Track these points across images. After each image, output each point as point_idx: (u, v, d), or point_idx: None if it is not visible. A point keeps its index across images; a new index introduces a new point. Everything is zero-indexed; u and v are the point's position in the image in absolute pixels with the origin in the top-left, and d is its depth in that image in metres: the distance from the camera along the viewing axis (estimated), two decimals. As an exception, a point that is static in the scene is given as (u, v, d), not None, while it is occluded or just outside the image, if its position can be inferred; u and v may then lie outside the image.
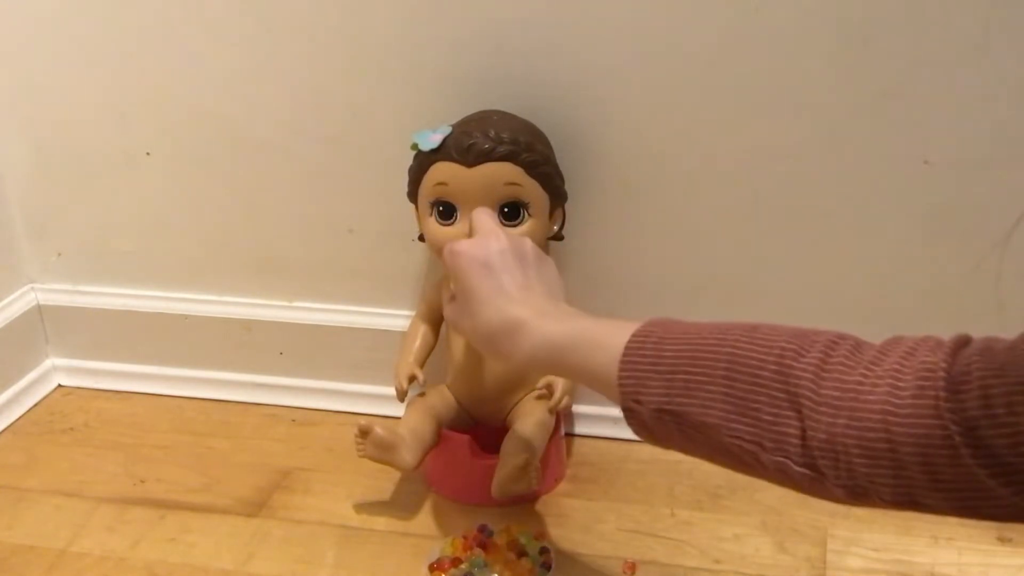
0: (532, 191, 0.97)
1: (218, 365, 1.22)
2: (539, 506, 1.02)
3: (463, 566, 0.93)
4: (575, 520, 1.01)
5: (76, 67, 1.12)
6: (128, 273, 1.22)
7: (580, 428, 1.13)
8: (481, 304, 0.75)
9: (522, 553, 0.94)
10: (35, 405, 1.23)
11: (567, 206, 1.02)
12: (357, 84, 1.05)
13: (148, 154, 1.15)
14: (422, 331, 1.06)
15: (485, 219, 0.86)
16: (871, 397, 0.55)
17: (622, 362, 0.65)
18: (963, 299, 0.99)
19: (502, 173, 0.95)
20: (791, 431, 0.58)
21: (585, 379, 0.70)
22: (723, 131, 0.99)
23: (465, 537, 0.96)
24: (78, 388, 1.26)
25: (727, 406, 0.60)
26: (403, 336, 1.07)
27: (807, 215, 1.01)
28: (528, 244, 0.80)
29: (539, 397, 1.02)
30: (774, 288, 1.04)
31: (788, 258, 1.02)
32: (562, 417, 1.07)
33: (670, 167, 1.01)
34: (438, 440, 1.03)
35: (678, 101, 0.98)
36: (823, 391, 0.57)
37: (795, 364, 0.58)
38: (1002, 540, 0.95)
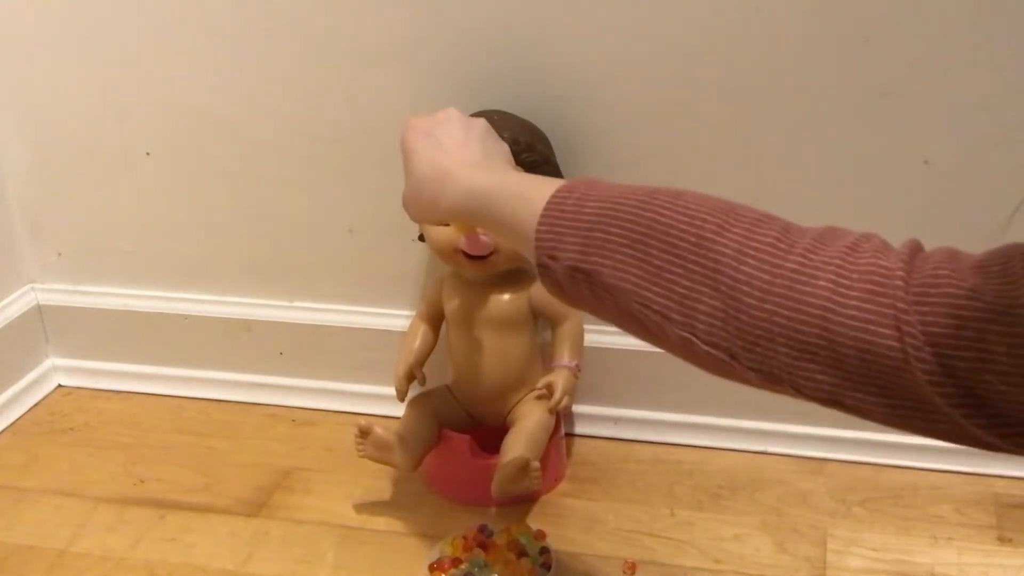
0: (532, 191, 0.97)
1: (218, 365, 1.22)
2: (539, 506, 1.02)
3: (463, 566, 0.93)
4: (575, 520, 1.01)
5: (76, 67, 1.12)
6: (128, 273, 1.22)
7: (580, 428, 1.13)
8: (418, 161, 0.75)
9: (522, 553, 0.94)
10: (35, 405, 1.23)
11: (567, 206, 1.02)
12: (357, 84, 1.05)
13: (148, 154, 1.15)
14: (422, 331, 1.06)
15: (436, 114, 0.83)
16: (808, 288, 0.53)
17: (541, 216, 0.63)
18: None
19: (502, 173, 0.95)
20: (702, 307, 0.56)
21: (505, 232, 0.68)
22: (723, 131, 0.99)
23: (465, 537, 0.95)
24: (78, 388, 1.26)
25: (640, 272, 0.59)
26: (403, 336, 1.07)
27: (807, 215, 1.00)
28: (480, 120, 0.79)
29: (539, 397, 1.02)
30: (774, 288, 1.04)
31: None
32: (562, 417, 1.07)
33: (670, 167, 1.01)
34: (438, 440, 1.03)
35: (678, 101, 0.98)
36: (745, 269, 0.55)
37: (717, 239, 0.57)
38: (1002, 540, 0.95)
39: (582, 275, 0.61)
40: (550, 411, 1.00)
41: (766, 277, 0.55)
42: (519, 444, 0.97)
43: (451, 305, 1.03)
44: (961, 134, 0.93)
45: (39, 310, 1.26)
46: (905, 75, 0.93)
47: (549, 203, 0.63)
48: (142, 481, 1.09)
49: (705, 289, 0.56)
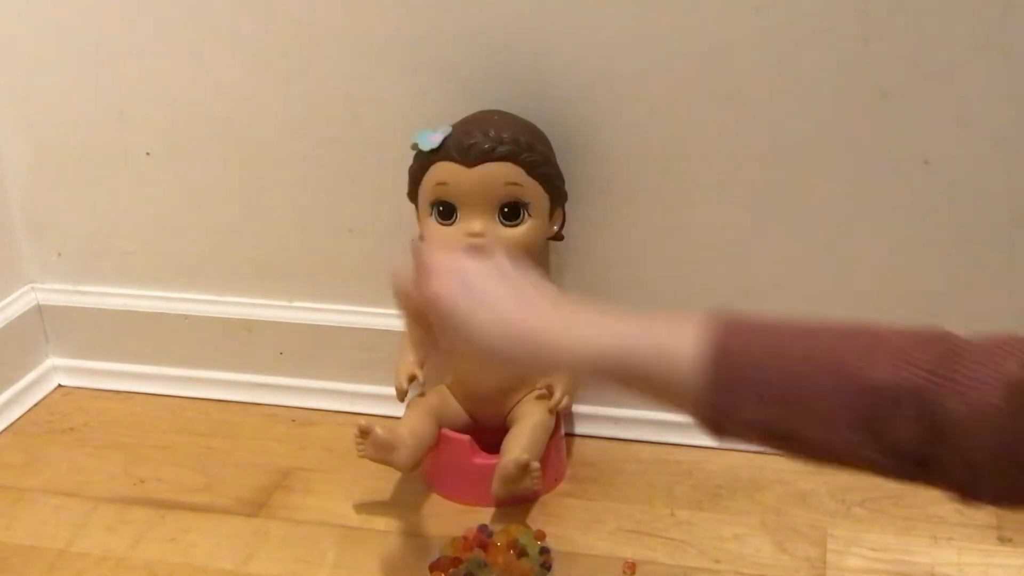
0: (532, 191, 0.97)
1: (218, 365, 1.22)
2: (539, 506, 1.02)
3: (463, 566, 0.93)
4: (575, 520, 1.01)
5: (76, 67, 1.12)
6: (128, 273, 1.22)
7: (580, 428, 1.13)
8: (477, 324, 0.64)
9: (522, 553, 0.94)
10: (35, 405, 1.23)
11: (567, 206, 1.02)
12: (357, 84, 1.05)
13: (148, 154, 1.15)
14: (422, 331, 1.06)
15: (438, 253, 0.71)
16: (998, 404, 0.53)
17: (704, 377, 0.58)
18: (963, 299, 0.99)
19: (502, 173, 0.95)
20: (903, 434, 0.55)
21: (646, 392, 0.62)
22: (723, 131, 0.99)
23: (465, 537, 0.95)
24: (78, 388, 1.26)
25: (833, 420, 0.56)
26: (403, 336, 1.07)
27: (807, 215, 1.01)
28: (500, 256, 0.69)
29: (539, 397, 1.02)
30: (774, 288, 1.04)
31: (788, 258, 1.02)
32: (562, 417, 1.07)
33: (670, 167, 1.01)
34: (438, 440, 1.03)
35: (678, 101, 0.98)
36: (950, 406, 0.54)
37: (913, 368, 0.55)
38: (1002, 540, 0.95)
39: (777, 437, 0.59)
40: (550, 411, 1.00)
41: (977, 410, 0.54)
42: (519, 444, 0.97)
43: (451, 305, 1.03)
44: (961, 134, 0.93)
45: (39, 310, 1.25)
46: (905, 75, 0.93)
47: (707, 361, 0.58)
48: (142, 481, 1.09)
49: (910, 412, 0.55)
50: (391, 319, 1.15)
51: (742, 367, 0.59)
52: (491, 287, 0.66)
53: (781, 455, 0.61)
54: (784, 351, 0.60)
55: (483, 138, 0.95)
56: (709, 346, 0.59)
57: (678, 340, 0.60)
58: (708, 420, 0.60)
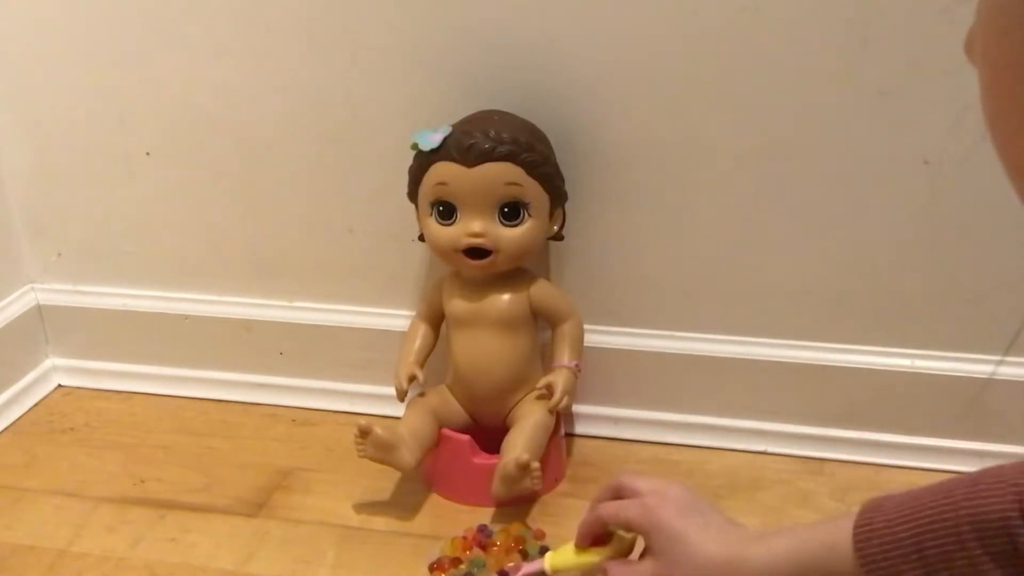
0: (532, 191, 0.97)
1: (218, 365, 1.22)
2: (539, 506, 1.02)
3: (463, 566, 0.93)
4: (575, 520, 1.00)
5: (76, 67, 1.12)
6: (128, 273, 1.22)
7: (580, 428, 1.13)
8: (694, 544, 0.72)
9: (524, 554, 0.94)
10: (35, 405, 1.23)
11: (567, 206, 1.02)
12: (357, 84, 1.05)
13: (148, 154, 1.15)
14: (422, 331, 1.06)
15: (638, 476, 0.80)
16: None
17: (859, 556, 0.63)
18: (963, 299, 0.99)
19: (502, 173, 0.95)
20: None
21: None
22: (723, 131, 0.99)
23: (465, 537, 0.95)
24: (78, 388, 1.26)
25: (974, 560, 0.59)
26: (403, 336, 1.07)
27: (807, 215, 1.01)
28: (684, 489, 0.78)
29: (539, 397, 1.02)
30: (774, 288, 1.04)
31: (788, 258, 1.03)
32: (562, 417, 1.07)
33: (670, 167, 1.01)
34: (438, 440, 1.03)
35: (678, 101, 0.98)
36: None
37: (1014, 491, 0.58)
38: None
39: None
40: (550, 411, 1.00)
41: None
42: (519, 444, 0.97)
43: (451, 305, 1.03)
44: (961, 134, 0.93)
45: (39, 310, 1.26)
46: (905, 75, 0.93)
47: (858, 539, 0.64)
48: (142, 481, 1.09)
49: None
50: (391, 319, 1.16)
51: (883, 538, 0.63)
52: (701, 509, 0.75)
53: None
54: (913, 511, 0.63)
55: (483, 138, 0.95)
56: (857, 525, 0.64)
57: (838, 529, 0.65)
58: None
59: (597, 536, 0.83)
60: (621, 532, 0.82)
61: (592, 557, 0.83)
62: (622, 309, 1.08)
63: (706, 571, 0.72)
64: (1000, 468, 0.61)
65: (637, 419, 1.11)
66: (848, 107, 0.95)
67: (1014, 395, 0.99)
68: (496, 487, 0.95)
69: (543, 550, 0.94)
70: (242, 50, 1.07)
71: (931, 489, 0.63)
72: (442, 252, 0.99)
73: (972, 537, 0.60)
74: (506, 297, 1.01)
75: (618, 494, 0.80)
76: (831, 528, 0.66)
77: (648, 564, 0.76)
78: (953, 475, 0.64)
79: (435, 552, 0.95)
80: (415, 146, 0.97)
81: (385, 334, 1.14)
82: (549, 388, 1.00)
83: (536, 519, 1.00)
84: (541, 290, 1.03)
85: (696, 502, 0.76)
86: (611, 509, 0.79)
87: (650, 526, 0.75)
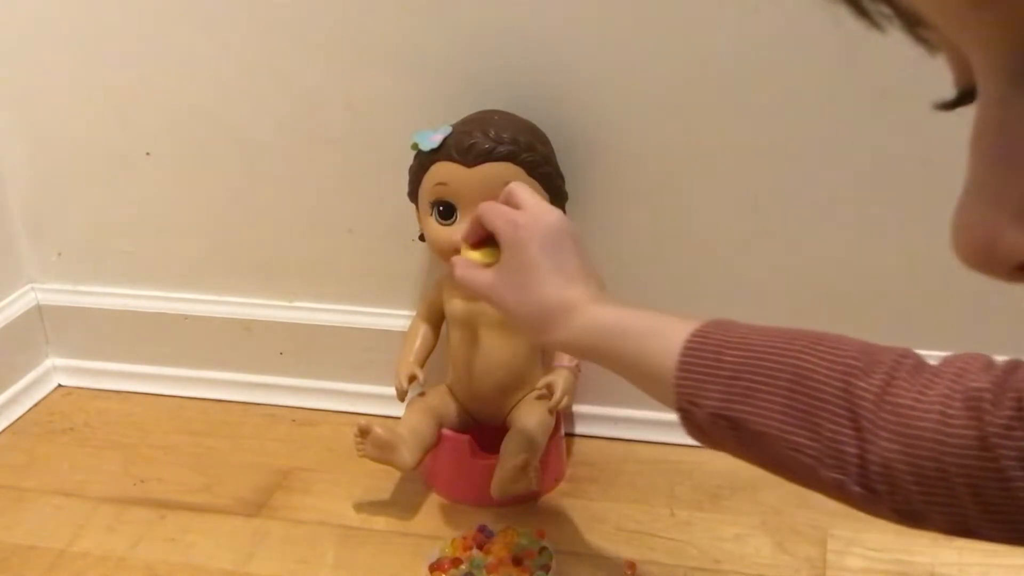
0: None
1: (218, 365, 1.22)
2: (539, 506, 1.02)
3: (463, 566, 0.93)
4: (575, 520, 1.01)
5: (76, 67, 1.12)
6: (128, 273, 1.22)
7: (580, 428, 1.13)
8: (540, 280, 0.71)
9: (524, 555, 0.94)
10: (35, 405, 1.23)
11: (567, 206, 1.02)
12: (357, 84, 1.05)
13: (148, 154, 1.15)
14: (422, 331, 1.06)
15: (528, 194, 0.78)
16: (922, 424, 0.55)
17: (680, 361, 0.63)
18: (963, 299, 0.99)
19: (502, 173, 0.95)
20: (850, 449, 0.57)
21: (632, 371, 0.67)
22: (723, 131, 0.99)
23: (465, 537, 0.96)
24: (78, 388, 1.26)
25: (787, 418, 0.59)
26: (403, 336, 1.07)
27: (807, 215, 1.01)
28: (575, 226, 0.76)
29: (539, 397, 1.02)
30: (774, 288, 1.04)
31: (788, 258, 1.03)
32: (562, 417, 1.07)
33: (670, 167, 1.01)
34: (438, 440, 1.03)
35: (678, 101, 0.98)
36: (882, 414, 0.56)
37: (860, 383, 0.58)
38: (1002, 540, 0.95)
39: (726, 422, 0.61)
40: (550, 411, 1.00)
41: (893, 419, 0.56)
42: (519, 444, 0.97)
43: (451, 305, 1.03)
44: (961, 134, 0.93)
45: (39, 310, 1.26)
46: (905, 75, 0.93)
47: (686, 348, 0.63)
48: (142, 481, 1.09)
49: (851, 432, 0.57)
50: (391, 319, 1.15)
51: (706, 352, 0.63)
52: (566, 248, 0.73)
53: (744, 460, 0.64)
54: (748, 343, 0.63)
55: (483, 138, 0.95)
56: (690, 338, 0.63)
57: (672, 331, 0.64)
58: (679, 407, 0.64)
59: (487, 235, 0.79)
60: None
61: (477, 256, 0.79)
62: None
63: (534, 309, 0.71)
64: (844, 340, 0.61)
65: (637, 419, 1.11)
66: (849, 107, 0.95)
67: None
68: (496, 487, 0.95)
69: (543, 550, 0.94)
70: (242, 50, 1.07)
71: (780, 332, 0.63)
72: (442, 252, 0.99)
73: (784, 385, 0.59)
74: (506, 297, 1.01)
75: (507, 200, 0.78)
76: (671, 323, 0.65)
77: (489, 275, 0.75)
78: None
79: (435, 552, 0.95)
80: (415, 146, 0.97)
81: (385, 334, 1.14)
82: (549, 388, 1.00)
83: (536, 519, 1.00)
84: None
85: (564, 240, 0.73)
86: (487, 210, 0.77)
87: (510, 243, 0.73)
